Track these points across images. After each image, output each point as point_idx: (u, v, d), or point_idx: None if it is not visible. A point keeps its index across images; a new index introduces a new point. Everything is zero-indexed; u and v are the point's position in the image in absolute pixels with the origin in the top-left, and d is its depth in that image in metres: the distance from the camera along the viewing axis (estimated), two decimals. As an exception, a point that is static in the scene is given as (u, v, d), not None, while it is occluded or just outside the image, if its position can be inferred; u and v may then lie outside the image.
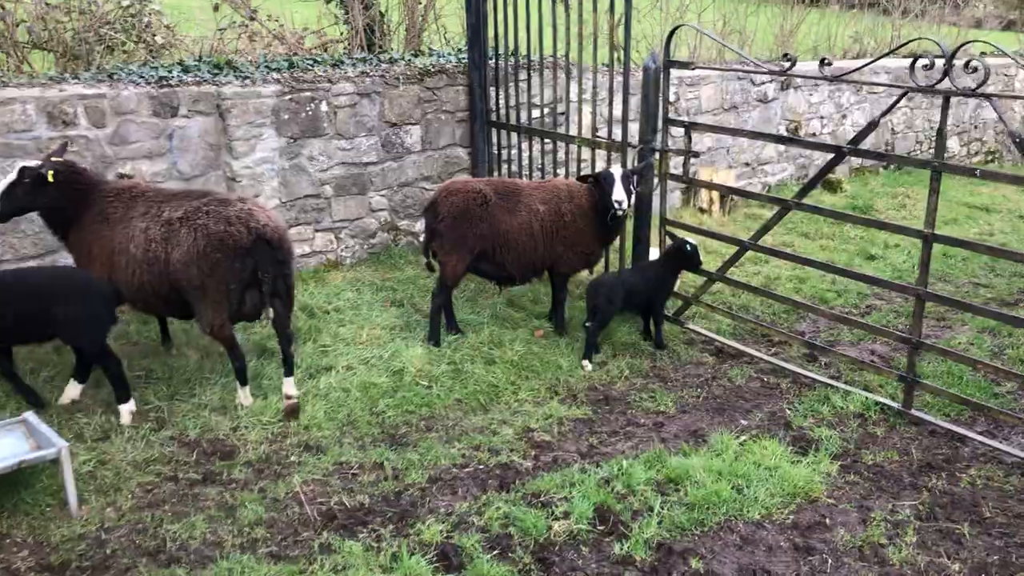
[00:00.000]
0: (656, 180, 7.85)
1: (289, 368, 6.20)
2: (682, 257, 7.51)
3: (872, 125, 6.02)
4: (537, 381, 6.91)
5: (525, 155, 9.28)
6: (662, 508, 5.19)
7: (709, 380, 7.14)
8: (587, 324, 7.39)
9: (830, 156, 6.37)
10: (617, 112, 7.91)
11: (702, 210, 11.98)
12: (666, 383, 7.07)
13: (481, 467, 5.69)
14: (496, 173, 9.78)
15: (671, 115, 8.65)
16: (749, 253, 7.31)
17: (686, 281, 8.42)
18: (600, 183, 7.24)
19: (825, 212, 6.68)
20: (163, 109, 7.88)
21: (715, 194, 11.92)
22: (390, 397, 6.49)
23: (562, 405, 6.58)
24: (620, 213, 7.26)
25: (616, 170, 7.30)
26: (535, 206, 7.38)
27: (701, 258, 7.49)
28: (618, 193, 7.11)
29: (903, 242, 10.56)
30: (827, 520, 5.17)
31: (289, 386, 6.19)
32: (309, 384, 6.61)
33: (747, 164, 12.88)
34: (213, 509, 5.14)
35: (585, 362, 7.22)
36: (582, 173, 7.63)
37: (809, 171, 13.38)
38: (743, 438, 6.07)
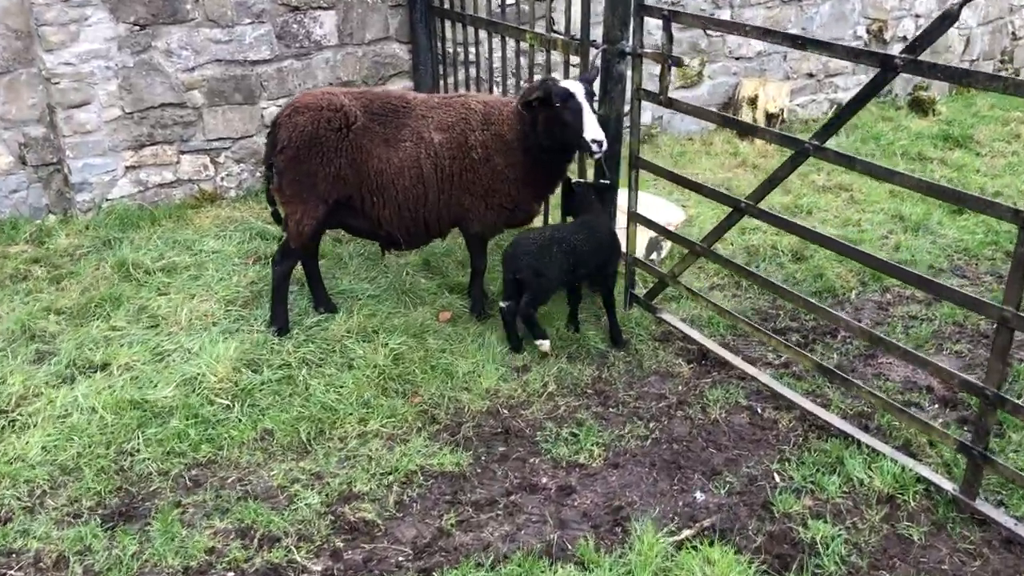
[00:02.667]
0: (627, 99, 5.37)
1: None
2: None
3: (947, 19, 3.48)
4: (405, 403, 4.72)
5: (487, 56, 6.81)
6: None
7: (673, 407, 4.86)
8: (503, 305, 5.17)
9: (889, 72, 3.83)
10: (574, -7, 5.42)
11: (742, 135, 9.34)
12: (607, 408, 4.84)
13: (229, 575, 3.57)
14: (445, 80, 7.38)
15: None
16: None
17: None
18: (555, 108, 4.87)
19: (858, 163, 4.09)
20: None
21: (758, 113, 9.26)
22: (159, 425, 4.37)
23: (429, 445, 4.44)
24: (598, 156, 5.00)
25: (576, 87, 4.88)
26: (427, 134, 5.04)
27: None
28: (592, 128, 4.83)
29: (1009, 189, 7.82)
30: None
31: None
32: (53, 393, 4.54)
33: (810, 75, 10.12)
34: None
35: (540, 342, 5.26)
36: (524, 92, 5.14)
37: (895, 86, 10.48)
38: (684, 536, 3.80)
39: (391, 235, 5.23)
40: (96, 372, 4.80)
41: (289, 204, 5.00)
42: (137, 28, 6.38)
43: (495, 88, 6.86)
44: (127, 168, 6.67)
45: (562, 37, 5.77)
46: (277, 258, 5.17)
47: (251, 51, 6.88)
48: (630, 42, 5.19)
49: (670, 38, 4.92)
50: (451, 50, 7.21)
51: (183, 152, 6.88)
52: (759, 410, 4.82)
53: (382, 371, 4.92)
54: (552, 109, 4.86)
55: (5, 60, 6.18)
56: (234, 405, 4.58)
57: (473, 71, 7.04)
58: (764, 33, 4.46)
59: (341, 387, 4.78)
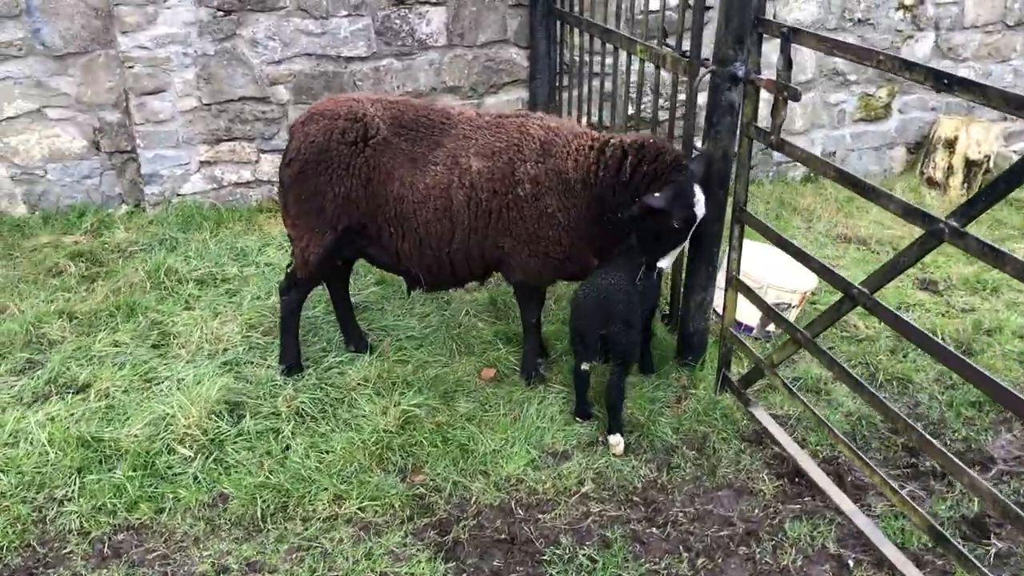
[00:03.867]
0: (736, 136, 4.32)
1: None
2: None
3: None
4: (400, 482, 3.95)
5: (610, 68, 5.90)
6: None
7: (737, 539, 3.84)
8: (584, 368, 4.33)
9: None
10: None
11: (932, 182, 7.86)
12: (651, 525, 3.91)
13: None
14: (561, 93, 6.50)
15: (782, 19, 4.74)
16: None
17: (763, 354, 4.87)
18: (668, 221, 4.13)
19: (1007, 261, 2.83)
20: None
21: (956, 158, 7.73)
22: (102, 472, 3.81)
23: (407, 544, 3.71)
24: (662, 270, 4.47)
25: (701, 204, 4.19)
26: (466, 159, 4.21)
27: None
28: (671, 258, 4.39)
29: None
30: None
31: None
32: (11, 414, 4.09)
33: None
34: None
35: (612, 438, 4.29)
36: (623, 137, 4.25)
37: None
38: None
39: (413, 273, 4.42)
40: (72, 394, 4.32)
41: (294, 228, 4.32)
42: (221, 14, 5.94)
43: (616, 107, 5.90)
44: (201, 163, 6.26)
45: (672, 52, 4.74)
46: (283, 287, 4.50)
47: (345, 46, 6.29)
48: (744, 65, 4.12)
49: (788, 63, 3.82)
50: (576, 58, 6.30)
51: (263, 151, 6.40)
52: (850, 564, 3.64)
53: (384, 437, 4.13)
54: (662, 217, 4.04)
55: (83, 40, 5.91)
56: (196, 458, 3.93)
57: (598, 84, 6.09)
58: (902, 66, 3.26)
59: (327, 452, 4.04)
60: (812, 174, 7.90)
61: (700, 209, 4.08)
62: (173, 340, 4.80)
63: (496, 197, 4.19)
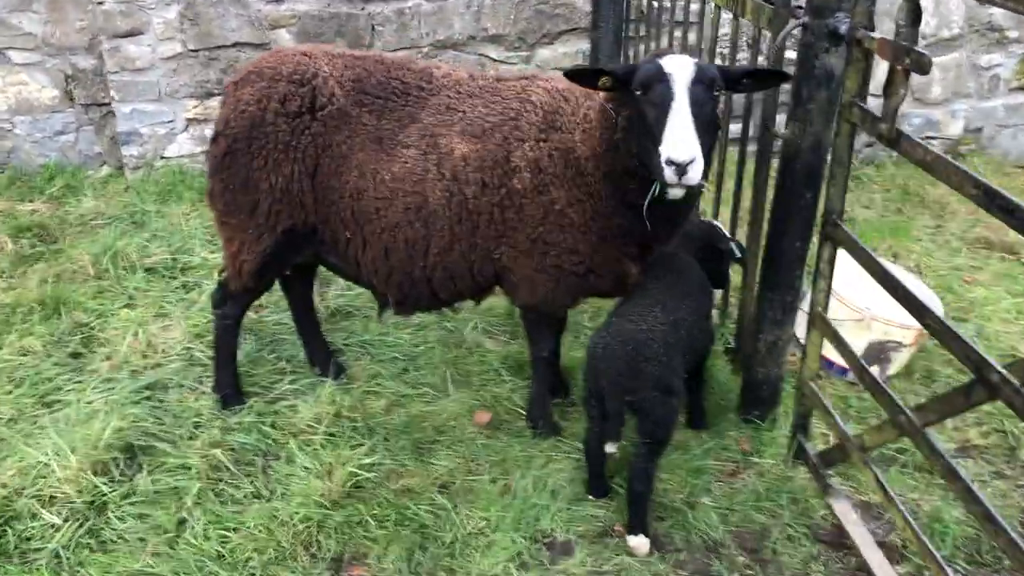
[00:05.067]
0: (834, 120, 3.08)
1: None
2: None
3: None
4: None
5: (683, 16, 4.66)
6: None
7: None
8: (604, 448, 3.26)
9: None
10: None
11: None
12: None
13: None
14: (638, 46, 5.29)
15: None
16: None
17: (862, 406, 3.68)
18: (634, 96, 2.80)
19: None
20: None
21: None
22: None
23: None
24: (674, 190, 2.81)
25: (678, 66, 2.71)
26: (447, 139, 3.08)
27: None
28: (676, 139, 2.64)
29: None
30: None
31: None
32: None
33: None
34: None
35: (633, 540, 3.14)
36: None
37: None
38: None
39: (378, 288, 3.35)
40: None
41: (222, 227, 3.31)
42: (210, -60, 4.93)
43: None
44: (188, 121, 5.33)
45: (753, -4, 3.48)
46: (216, 299, 3.50)
47: (363, -18, 5.21)
48: (849, 17, 2.86)
49: (915, 15, 2.55)
50: (652, 2, 5.02)
51: (262, 108, 5.39)
52: None
53: (319, 511, 3.11)
54: (631, 98, 2.73)
55: (48, -30, 5.01)
56: (65, 527, 3.00)
57: (680, 35, 4.81)
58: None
59: (236, 529, 3.03)
60: (949, 155, 6.42)
61: (669, 63, 2.71)
62: (96, 349, 3.91)
63: (486, 192, 3.06)
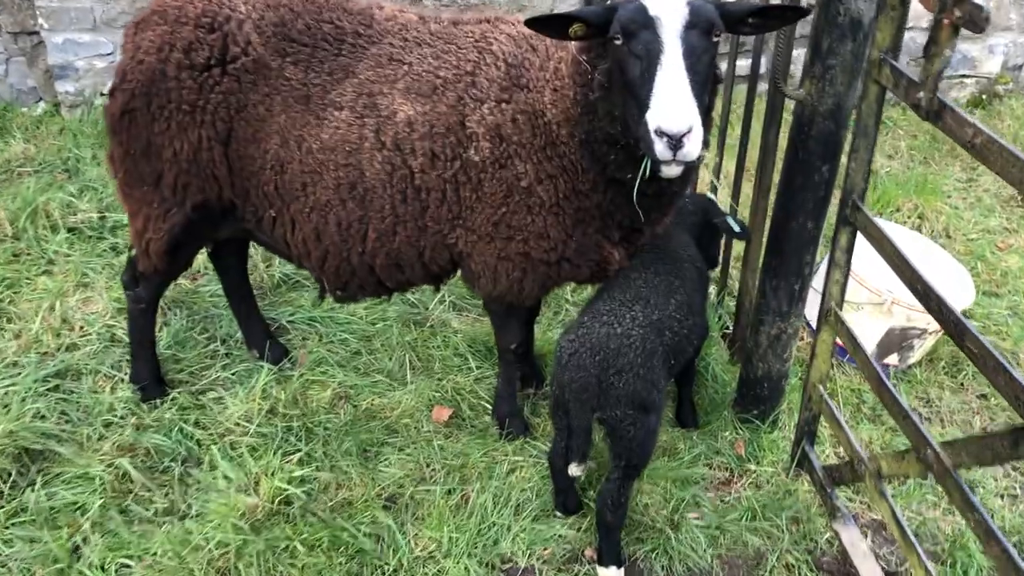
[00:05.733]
0: (859, 80, 2.54)
1: None
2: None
3: None
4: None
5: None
6: None
7: None
8: (575, 469, 2.68)
9: None
10: None
11: None
12: None
13: None
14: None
15: None
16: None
17: (877, 403, 3.15)
18: (613, 44, 2.25)
19: None
20: None
21: None
22: None
23: None
24: (669, 168, 2.23)
25: (667, 7, 2.15)
26: (389, 98, 2.53)
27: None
28: (665, 100, 2.11)
29: None
30: None
31: None
32: None
33: None
34: None
35: (604, 572, 2.69)
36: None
37: None
38: None
39: (313, 272, 2.86)
40: None
41: (125, 200, 2.81)
42: None
43: None
44: (130, 54, 4.74)
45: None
46: (126, 279, 3.02)
47: None
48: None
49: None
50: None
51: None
52: None
53: (239, 535, 2.68)
54: (610, 48, 2.21)
55: None
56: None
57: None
58: None
59: (140, 557, 2.62)
60: (985, 96, 5.82)
61: (655, 4, 2.15)
62: (5, 326, 3.44)
63: (437, 165, 2.54)
